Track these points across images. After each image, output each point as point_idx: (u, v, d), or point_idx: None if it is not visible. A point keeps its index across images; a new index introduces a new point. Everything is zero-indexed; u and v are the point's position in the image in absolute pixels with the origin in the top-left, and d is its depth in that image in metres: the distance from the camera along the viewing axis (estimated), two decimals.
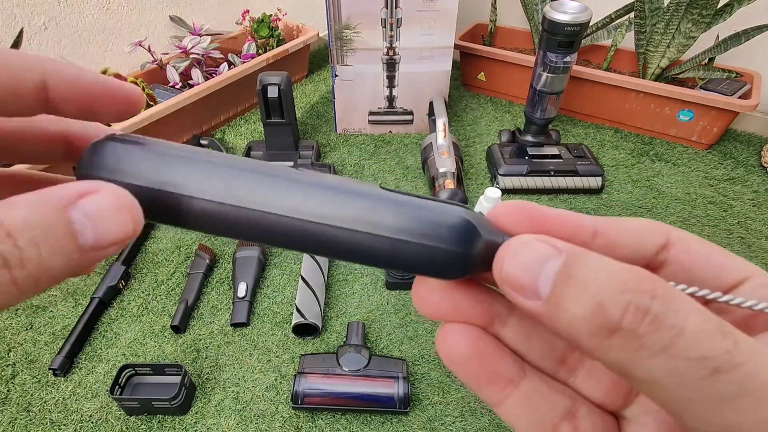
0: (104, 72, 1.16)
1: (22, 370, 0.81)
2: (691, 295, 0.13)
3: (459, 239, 0.14)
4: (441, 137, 1.15)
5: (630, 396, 0.16)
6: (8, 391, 0.79)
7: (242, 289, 0.90)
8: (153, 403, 0.72)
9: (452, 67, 1.27)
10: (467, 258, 0.15)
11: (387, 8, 1.17)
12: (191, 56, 1.31)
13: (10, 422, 0.75)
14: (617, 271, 0.12)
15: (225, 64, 1.35)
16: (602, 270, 0.12)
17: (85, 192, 0.12)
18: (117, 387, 0.74)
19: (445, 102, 1.27)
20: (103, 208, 0.13)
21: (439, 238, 0.14)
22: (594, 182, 1.14)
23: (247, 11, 1.47)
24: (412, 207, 0.15)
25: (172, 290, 0.94)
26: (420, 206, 0.15)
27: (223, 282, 0.95)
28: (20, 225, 0.11)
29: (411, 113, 1.35)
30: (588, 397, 0.17)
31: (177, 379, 0.76)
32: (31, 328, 0.87)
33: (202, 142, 1.26)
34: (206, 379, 0.80)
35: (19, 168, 0.18)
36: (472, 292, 0.16)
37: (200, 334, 0.87)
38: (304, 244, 0.15)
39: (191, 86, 1.28)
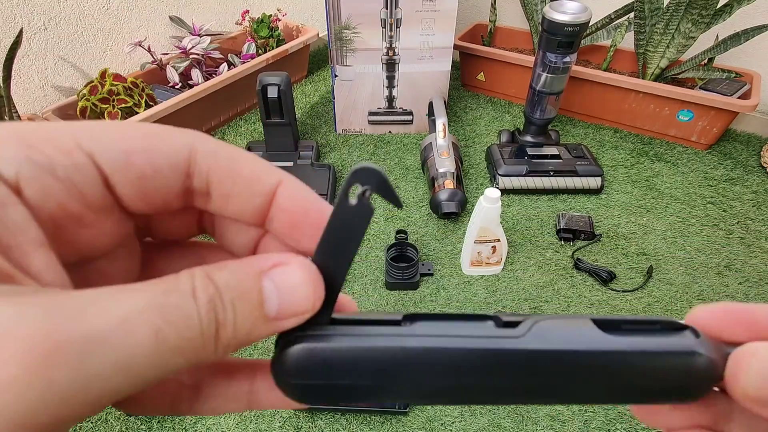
0: (104, 72, 1.16)
1: None
2: None
3: (698, 381, 0.15)
4: (441, 137, 1.15)
5: None
6: None
7: None
8: None
9: (452, 67, 1.27)
10: (705, 389, 0.15)
11: (387, 8, 1.17)
12: (191, 56, 1.31)
13: None
14: None
15: (225, 64, 1.35)
16: None
17: (278, 263, 0.14)
18: None
19: (445, 102, 1.27)
20: (289, 280, 0.14)
21: (679, 390, 0.15)
22: (593, 182, 1.14)
23: (247, 11, 1.47)
24: (642, 364, 0.15)
25: None
26: (648, 357, 0.15)
27: None
28: (223, 286, 0.12)
29: (411, 113, 1.35)
30: None
31: None
32: None
33: None
34: None
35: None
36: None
37: None
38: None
39: (191, 86, 1.28)
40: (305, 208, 0.15)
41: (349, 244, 0.14)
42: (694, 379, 0.15)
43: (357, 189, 0.14)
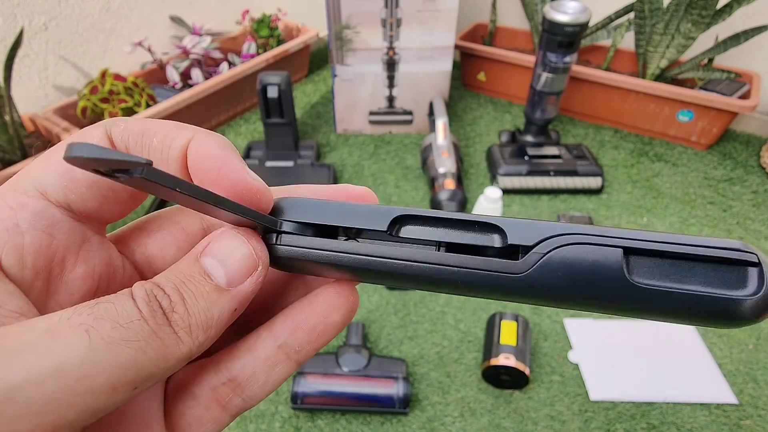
0: (104, 72, 1.16)
1: None
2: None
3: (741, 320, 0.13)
4: (441, 137, 1.15)
5: None
6: None
7: None
8: None
9: (452, 67, 1.27)
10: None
11: (387, 8, 1.17)
12: (191, 56, 1.31)
13: None
14: None
15: (225, 64, 1.35)
16: None
17: (211, 239, 0.14)
18: None
19: (445, 102, 1.27)
20: (225, 247, 0.14)
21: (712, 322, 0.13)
22: (594, 182, 1.15)
23: (247, 11, 1.47)
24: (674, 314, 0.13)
25: None
26: (682, 311, 0.13)
27: None
28: (162, 280, 0.13)
29: (411, 113, 1.35)
30: None
31: None
32: None
33: None
34: None
35: None
36: None
37: None
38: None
39: (191, 86, 1.28)
40: (216, 166, 0.14)
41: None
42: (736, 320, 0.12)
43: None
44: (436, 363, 0.83)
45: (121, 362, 0.11)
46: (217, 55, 1.34)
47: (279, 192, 0.17)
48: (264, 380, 0.16)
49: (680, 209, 1.12)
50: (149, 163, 0.11)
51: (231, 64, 1.37)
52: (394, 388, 0.74)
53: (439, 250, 0.14)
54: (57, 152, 0.14)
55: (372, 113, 1.34)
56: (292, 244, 0.15)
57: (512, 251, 0.13)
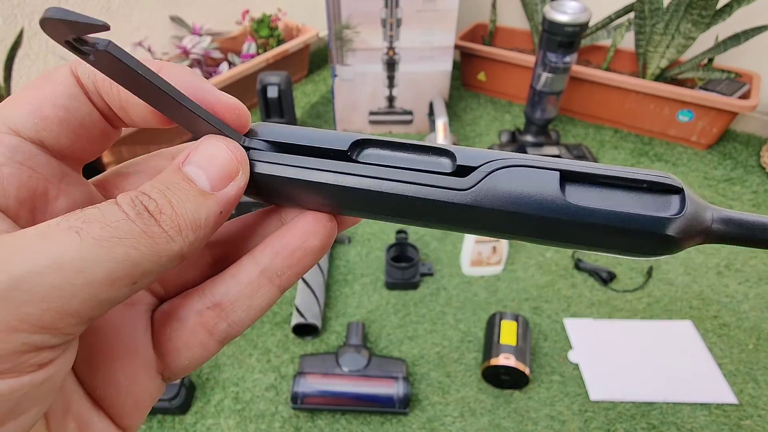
0: None
1: None
2: None
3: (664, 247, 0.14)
4: (441, 137, 1.15)
5: None
6: None
7: None
8: None
9: (452, 67, 1.27)
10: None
11: (387, 8, 1.17)
12: (191, 56, 1.31)
13: None
14: None
15: (225, 64, 1.35)
16: None
17: (190, 150, 0.15)
18: None
19: (445, 102, 1.27)
20: (205, 155, 0.15)
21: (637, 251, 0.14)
22: None
23: (247, 11, 1.47)
24: (604, 235, 0.14)
25: None
26: (611, 230, 0.14)
27: None
28: (147, 188, 0.13)
29: (411, 113, 1.35)
30: None
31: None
32: None
33: None
34: (206, 379, 0.80)
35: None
36: None
37: None
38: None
39: None
40: (191, 90, 0.15)
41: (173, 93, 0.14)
42: (659, 246, 0.14)
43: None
44: (436, 363, 0.83)
45: (116, 257, 0.12)
46: (217, 55, 1.34)
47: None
48: (248, 305, 0.16)
49: None
50: (107, 26, 0.12)
51: (231, 64, 1.37)
52: (394, 388, 0.74)
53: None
54: (26, 91, 0.14)
55: (372, 113, 1.34)
56: (264, 159, 0.16)
57: (461, 171, 0.14)
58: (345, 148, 0.15)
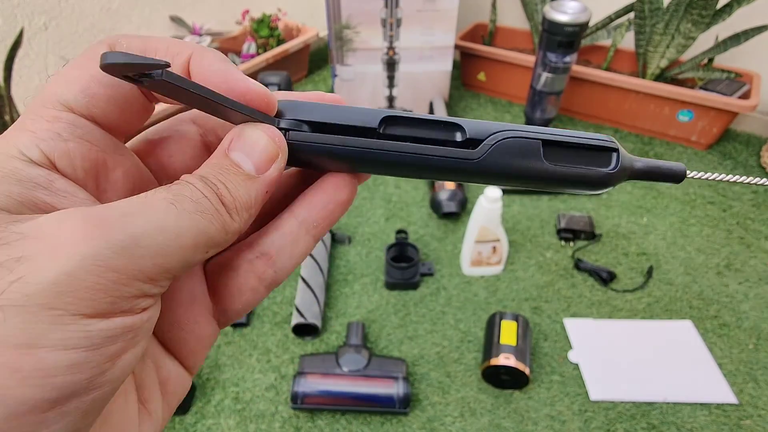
0: None
1: None
2: None
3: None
4: None
5: None
6: None
7: None
8: None
9: (452, 67, 1.27)
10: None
11: (387, 8, 1.17)
12: None
13: None
14: None
15: None
16: None
17: (233, 137, 0.17)
18: None
19: (445, 102, 1.27)
20: (248, 141, 0.16)
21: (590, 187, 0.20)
22: None
23: (247, 11, 1.47)
24: (570, 184, 0.19)
25: None
26: (575, 182, 0.19)
27: None
28: (205, 173, 0.16)
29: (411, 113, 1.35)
30: None
31: None
32: None
33: None
34: (206, 379, 0.80)
35: None
36: None
37: None
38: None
39: None
40: (222, 78, 0.16)
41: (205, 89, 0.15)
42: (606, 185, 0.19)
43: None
44: (436, 363, 0.83)
45: (200, 228, 0.14)
46: None
47: (278, 96, 0.19)
48: (290, 253, 0.18)
49: (680, 209, 1.12)
50: (167, 64, 0.13)
51: None
52: (394, 388, 0.74)
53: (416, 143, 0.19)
54: (72, 70, 0.16)
55: None
56: (300, 140, 0.18)
57: (470, 142, 0.18)
58: (375, 125, 0.18)
